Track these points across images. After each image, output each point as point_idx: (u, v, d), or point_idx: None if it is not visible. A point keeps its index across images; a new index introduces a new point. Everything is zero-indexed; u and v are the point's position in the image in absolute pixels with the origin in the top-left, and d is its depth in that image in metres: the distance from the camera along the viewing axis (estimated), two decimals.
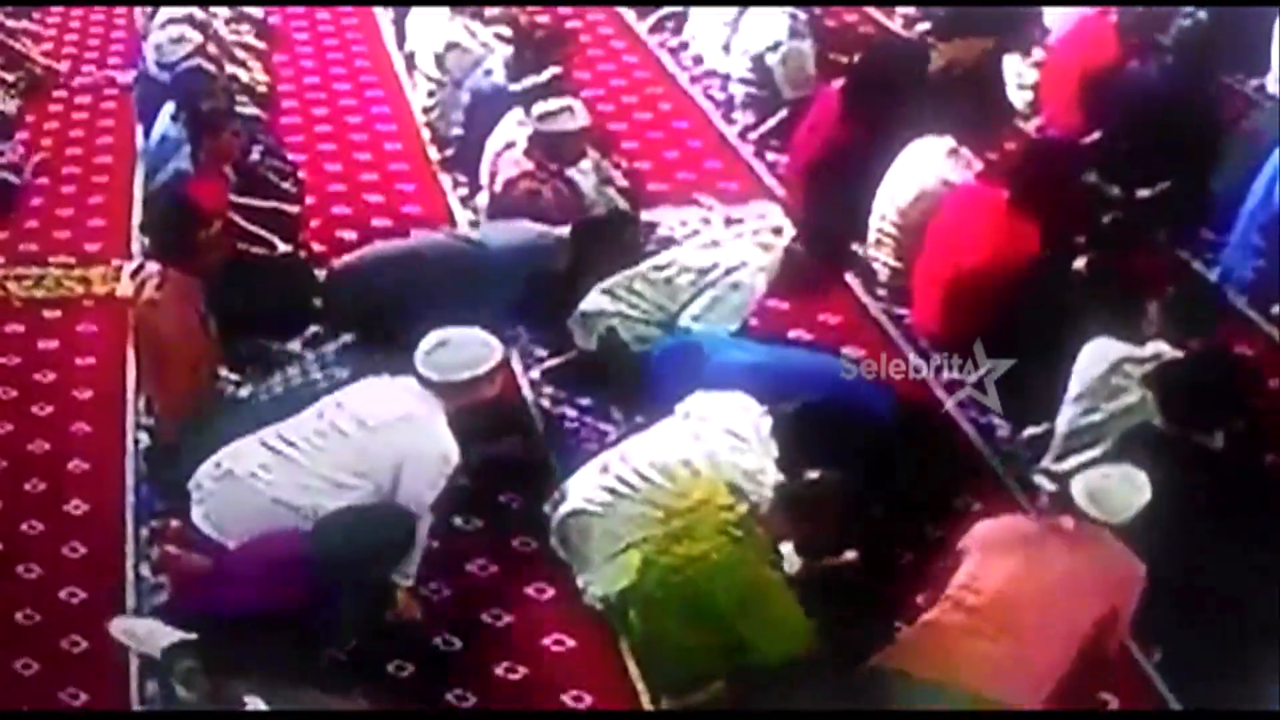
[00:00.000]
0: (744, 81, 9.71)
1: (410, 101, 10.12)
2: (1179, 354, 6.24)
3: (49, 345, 7.63)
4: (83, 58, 11.10)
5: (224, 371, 6.72)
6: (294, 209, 8.14)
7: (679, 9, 11.07)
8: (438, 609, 5.91)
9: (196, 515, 5.84)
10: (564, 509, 5.99)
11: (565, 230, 7.31)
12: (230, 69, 9.60)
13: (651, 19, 11.37)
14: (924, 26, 10.52)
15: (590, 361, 7.04)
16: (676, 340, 6.81)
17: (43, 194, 9.10)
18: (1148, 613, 5.41)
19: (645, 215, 7.90)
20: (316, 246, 8.24)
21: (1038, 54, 9.57)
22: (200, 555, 5.78)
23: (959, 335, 7.07)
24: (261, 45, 10.70)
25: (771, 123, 9.47)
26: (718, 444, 5.89)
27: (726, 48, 10.08)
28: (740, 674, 5.29)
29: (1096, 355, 6.32)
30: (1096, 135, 8.73)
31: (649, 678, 5.58)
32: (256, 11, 11.08)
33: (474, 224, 8.35)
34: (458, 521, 6.29)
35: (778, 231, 7.22)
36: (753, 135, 9.56)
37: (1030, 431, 6.66)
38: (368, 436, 5.81)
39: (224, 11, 10.41)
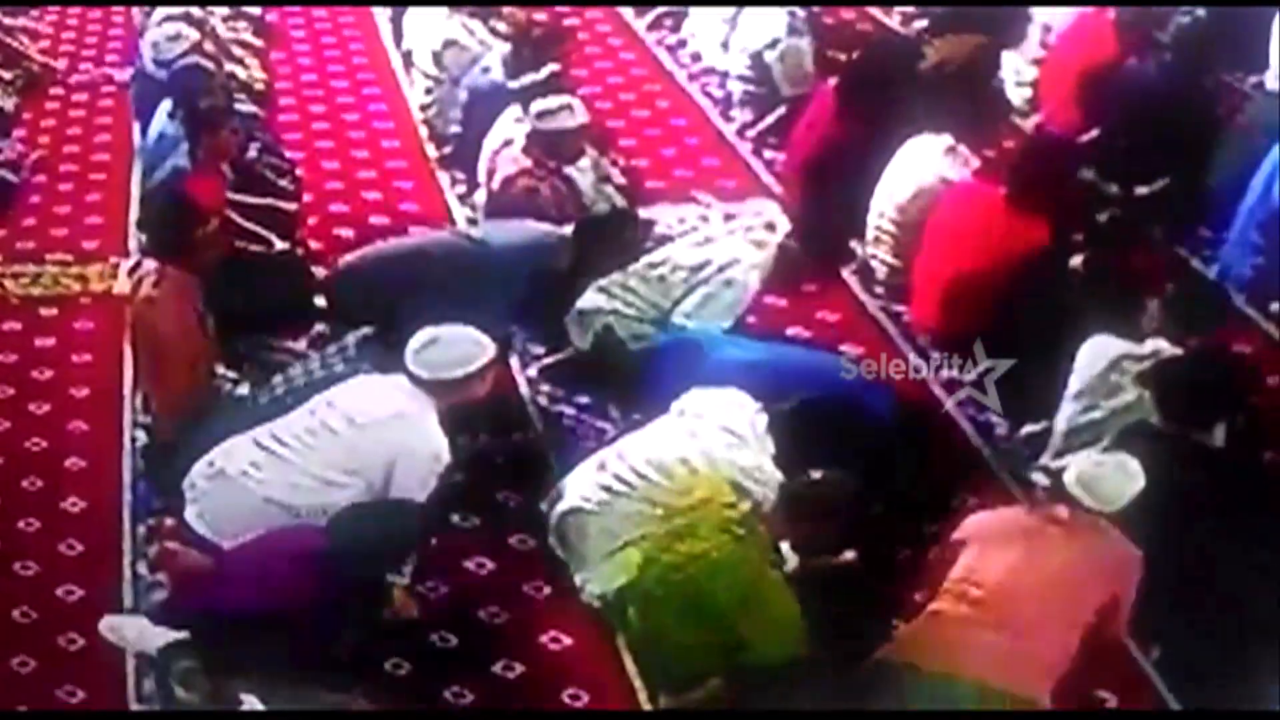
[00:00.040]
0: (742, 79, 9.70)
1: (408, 99, 10.11)
2: (1177, 351, 6.24)
3: (46, 343, 7.62)
4: (80, 55, 11.08)
5: (221, 369, 6.70)
6: (291, 206, 8.14)
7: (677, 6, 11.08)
8: (435, 607, 5.90)
9: (190, 514, 5.84)
10: (561, 507, 5.99)
11: (567, 229, 7.31)
12: (228, 66, 9.58)
13: (649, 16, 11.37)
14: (921, 24, 10.51)
15: (586, 359, 7.04)
16: (674, 338, 6.81)
17: (40, 191, 9.09)
18: (1146, 611, 5.41)
19: (643, 213, 7.89)
20: (314, 244, 8.24)
21: (1037, 51, 9.55)
22: (199, 553, 5.78)
23: (957, 332, 7.07)
24: (259, 43, 10.68)
25: (769, 120, 9.46)
26: (714, 441, 5.89)
27: (725, 45, 10.08)
28: (738, 672, 5.29)
29: (1096, 353, 6.32)
30: (1095, 132, 8.72)
31: (647, 675, 5.58)
32: (254, 9, 11.06)
33: (472, 222, 8.34)
34: (455, 519, 6.29)
35: (771, 228, 7.22)
36: (751, 133, 9.55)
37: (1029, 429, 6.66)
38: (358, 434, 5.81)
39: (221, 9, 10.39)
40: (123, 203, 8.80)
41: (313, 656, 5.13)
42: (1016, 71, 9.60)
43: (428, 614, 5.83)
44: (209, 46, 9.35)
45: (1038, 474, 6.40)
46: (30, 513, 6.43)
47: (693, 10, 10.76)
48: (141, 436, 6.83)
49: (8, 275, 8.16)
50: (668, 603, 5.37)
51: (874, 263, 7.87)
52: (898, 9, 11.25)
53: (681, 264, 7.06)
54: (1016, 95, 9.58)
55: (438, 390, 5.85)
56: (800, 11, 9.62)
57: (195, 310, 6.51)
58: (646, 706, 5.54)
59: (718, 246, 7.17)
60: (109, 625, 5.33)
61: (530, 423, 6.97)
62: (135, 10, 11.08)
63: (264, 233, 7.65)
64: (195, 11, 9.72)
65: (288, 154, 8.75)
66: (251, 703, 4.89)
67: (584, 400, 7.07)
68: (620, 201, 8.17)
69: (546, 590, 6.02)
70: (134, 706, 5.49)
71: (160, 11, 9.76)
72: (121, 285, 7.71)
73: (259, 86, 10.03)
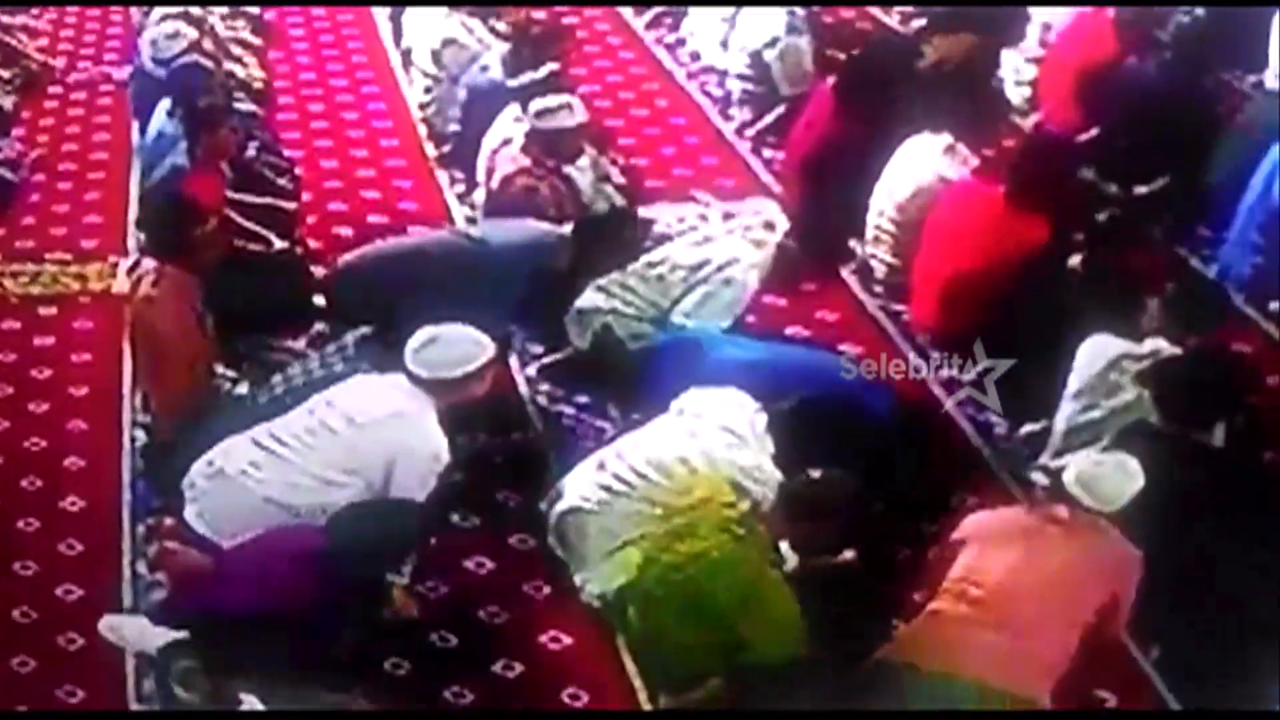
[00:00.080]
0: (741, 78, 9.70)
1: (407, 98, 10.10)
2: (1177, 351, 6.24)
3: (45, 342, 7.62)
4: (78, 54, 11.08)
5: (221, 369, 6.70)
6: (290, 205, 8.14)
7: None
8: (435, 606, 5.90)
9: (189, 514, 5.84)
10: (561, 507, 5.99)
11: (566, 228, 7.31)
12: (226, 65, 9.58)
13: (649, 15, 11.36)
14: (920, 23, 10.50)
15: (586, 359, 7.04)
16: (673, 337, 6.81)
17: (39, 190, 9.09)
18: (1146, 611, 5.41)
19: (642, 212, 7.89)
20: (313, 243, 8.24)
21: (1036, 50, 9.55)
22: (198, 552, 5.77)
23: (957, 331, 7.07)
24: (257, 41, 10.67)
25: (769, 119, 9.46)
26: (713, 441, 5.89)
27: (724, 44, 10.08)
28: (738, 672, 5.28)
29: (1095, 352, 6.32)
30: (1094, 132, 8.72)
31: (647, 675, 5.58)
32: (253, 8, 11.05)
33: (471, 220, 8.34)
34: (455, 519, 6.29)
35: (770, 227, 7.23)
36: (750, 132, 9.55)
37: (1028, 429, 6.66)
38: (357, 434, 5.81)
39: (220, 8, 10.38)
40: (122, 202, 8.80)
41: (313, 656, 5.13)
42: (1016, 70, 9.60)
43: (428, 614, 5.83)
44: (208, 45, 9.35)
45: (1037, 474, 6.40)
46: (30, 512, 6.43)
47: (692, 9, 10.75)
48: (141, 436, 6.83)
49: (7, 274, 8.16)
50: (668, 602, 5.36)
51: (873, 262, 7.87)
52: (897, 8, 11.24)
53: (680, 263, 7.06)
54: (1016, 94, 9.58)
55: (437, 389, 5.85)
56: (799, 10, 9.61)
57: (194, 309, 6.50)
58: (646, 706, 5.54)
59: (717, 246, 7.17)
60: (108, 625, 5.33)
61: (530, 422, 6.97)
62: (134, 9, 11.06)
63: (263, 232, 7.66)
64: (194, 10, 9.72)
65: (287, 153, 8.76)
66: (251, 703, 4.89)
67: (583, 400, 7.07)
68: (619, 201, 8.17)
69: (546, 590, 6.02)
70: (134, 706, 5.49)
71: (159, 10, 9.76)
72: (120, 284, 7.70)
73: (258, 85, 10.02)
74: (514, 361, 7.18)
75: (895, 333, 7.58)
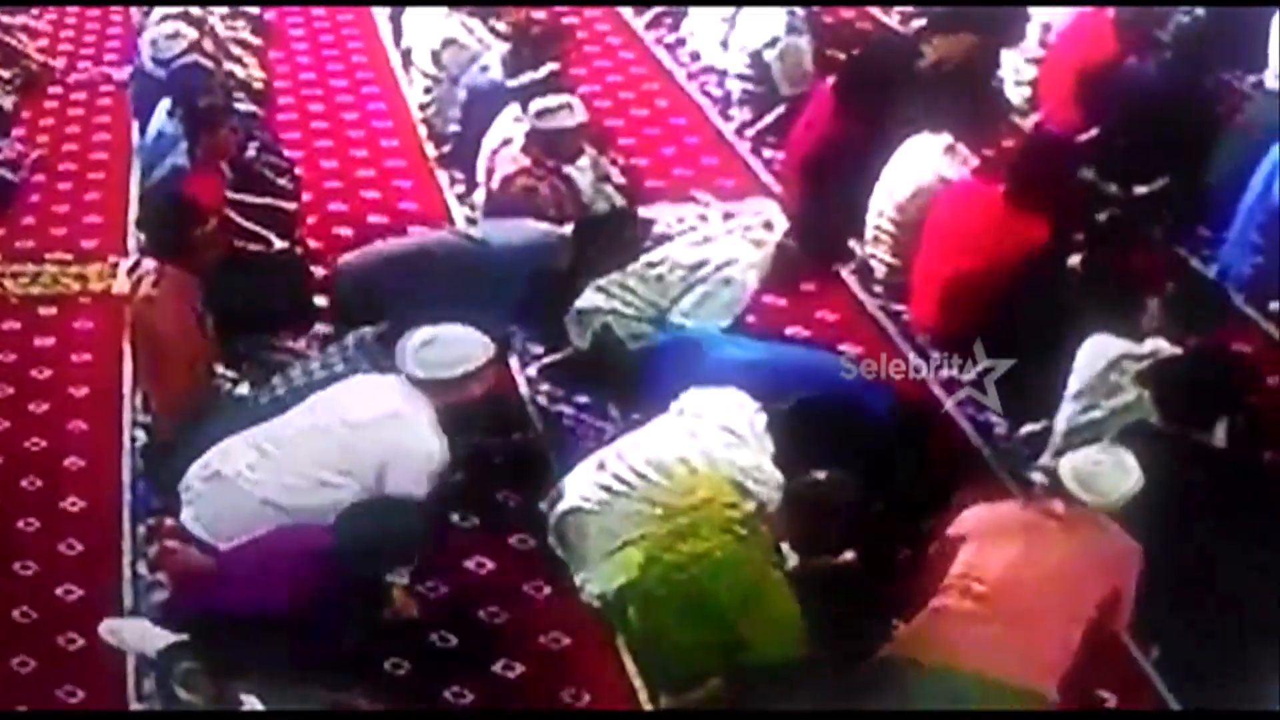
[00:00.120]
0: (741, 78, 9.70)
1: (407, 98, 10.10)
2: (1177, 351, 6.24)
3: (45, 342, 7.62)
4: (78, 54, 11.08)
5: (221, 369, 6.70)
6: (291, 205, 8.14)
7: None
8: (435, 606, 5.90)
9: (186, 517, 5.84)
10: (561, 507, 5.98)
11: (567, 228, 7.30)
12: (226, 65, 9.58)
13: (648, 15, 11.37)
14: (921, 23, 10.50)
15: (586, 359, 7.04)
16: (674, 337, 6.81)
17: (39, 190, 9.08)
18: (1146, 610, 5.41)
19: (642, 212, 7.89)
20: (313, 243, 8.23)
21: (1036, 50, 9.55)
22: (199, 551, 5.77)
23: (957, 331, 7.07)
24: (257, 41, 10.67)
25: (769, 119, 9.46)
26: (713, 441, 5.89)
27: (724, 44, 10.08)
28: (738, 672, 5.28)
29: (1096, 352, 6.31)
30: (1094, 132, 8.72)
31: (647, 675, 5.58)
32: (253, 8, 11.05)
33: (471, 221, 8.34)
34: (455, 519, 6.29)
35: (769, 226, 7.22)
36: (750, 132, 9.55)
37: (1029, 429, 6.66)
38: (353, 434, 5.80)
39: (220, 8, 10.39)
40: (122, 202, 8.80)
41: (313, 656, 5.13)
42: (1016, 70, 9.60)
43: (428, 614, 5.83)
44: (208, 45, 9.35)
45: (1036, 474, 6.39)
46: (30, 513, 6.43)
47: (692, 9, 10.75)
48: (141, 436, 6.82)
49: (7, 274, 8.15)
50: (669, 602, 5.36)
51: (873, 262, 7.87)
52: (897, 8, 11.24)
53: (679, 263, 7.06)
54: (1016, 94, 9.59)
55: (434, 390, 5.85)
56: (799, 10, 9.62)
57: (194, 310, 6.50)
58: (647, 706, 5.54)
59: (716, 245, 7.17)
60: (109, 629, 5.32)
61: (530, 423, 6.96)
62: (134, 9, 11.07)
63: (263, 232, 7.66)
64: (194, 10, 9.72)
65: (287, 153, 8.76)
66: (251, 703, 4.89)
67: (583, 400, 7.07)
68: (619, 201, 8.17)
69: (546, 590, 6.02)
70: (134, 706, 5.49)
71: (159, 10, 9.75)
72: (121, 284, 7.71)
73: (258, 85, 10.02)
74: (514, 361, 7.18)
75: (895, 333, 7.58)
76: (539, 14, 10.31)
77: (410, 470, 5.73)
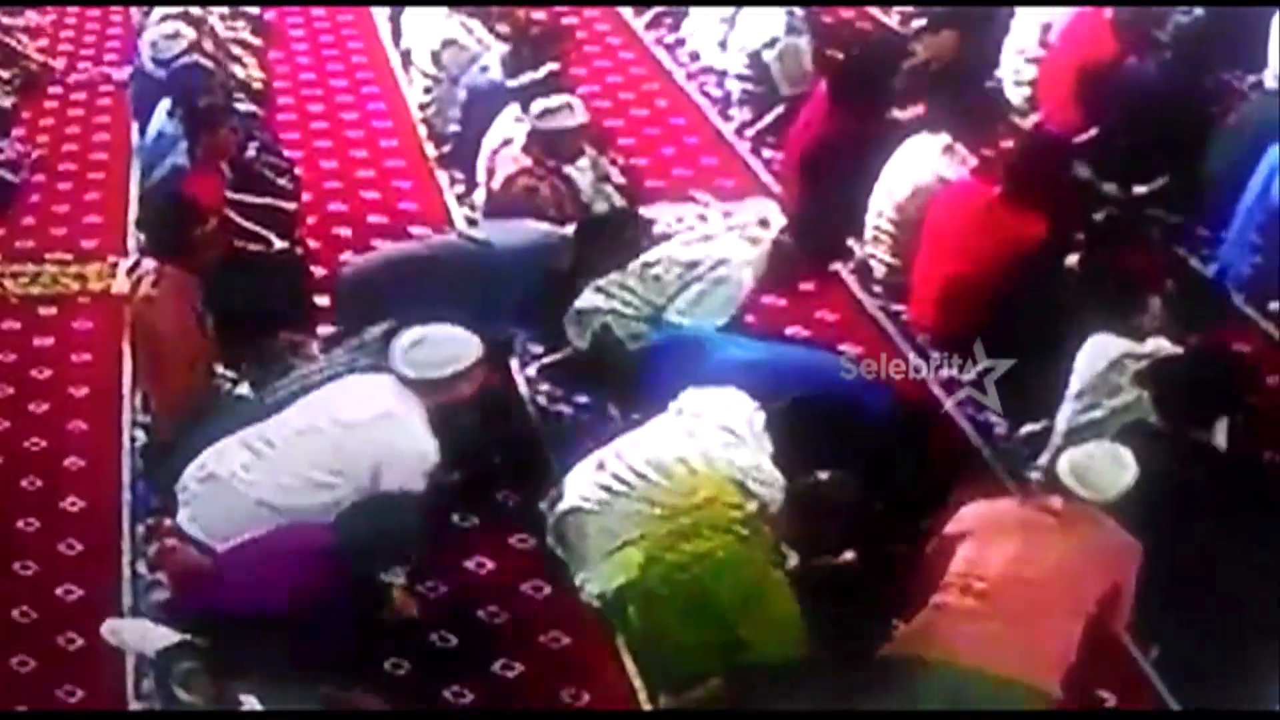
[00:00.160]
0: (741, 78, 9.70)
1: (407, 98, 10.11)
2: (1177, 350, 6.24)
3: (45, 342, 7.62)
4: (78, 54, 11.09)
5: (221, 369, 6.70)
6: (290, 205, 8.14)
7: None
8: (435, 606, 5.90)
9: (182, 518, 5.84)
10: (560, 506, 5.98)
11: (568, 229, 7.31)
12: (226, 65, 9.58)
13: (648, 15, 11.37)
14: (920, 23, 10.50)
15: (585, 359, 7.04)
16: (674, 337, 6.80)
17: (39, 191, 9.10)
18: (1146, 610, 5.41)
19: (642, 212, 7.90)
20: (313, 243, 8.24)
21: (1035, 50, 9.55)
22: (198, 551, 5.77)
23: (956, 332, 7.07)
24: (257, 42, 10.67)
25: (768, 119, 9.47)
26: (712, 441, 5.88)
27: (723, 44, 10.08)
28: (738, 672, 5.28)
29: (1096, 352, 6.31)
30: (1094, 131, 8.72)
31: (647, 675, 5.58)
32: (252, 8, 11.05)
33: (471, 221, 8.34)
34: (455, 519, 6.29)
35: (764, 224, 7.23)
36: (749, 132, 9.56)
37: (1029, 429, 6.66)
38: (345, 434, 5.80)
39: (220, 8, 10.39)
40: (121, 202, 8.81)
41: (313, 656, 5.13)
42: (1016, 70, 9.60)
43: (428, 614, 5.82)
44: (207, 45, 9.35)
45: (1035, 473, 6.39)
46: (30, 512, 6.43)
47: (691, 9, 10.76)
48: (141, 436, 6.83)
49: (7, 274, 8.16)
50: (671, 602, 5.36)
51: (872, 262, 7.87)
52: (897, 8, 11.24)
53: (676, 261, 7.06)
54: (1016, 94, 9.58)
55: (425, 390, 5.84)
56: (799, 10, 9.63)
57: (194, 310, 6.50)
58: (646, 706, 5.54)
59: (712, 244, 7.17)
60: (110, 629, 5.31)
61: (530, 422, 6.96)
62: (134, 9, 11.07)
63: (263, 232, 7.66)
64: (194, 10, 9.72)
65: (286, 153, 8.77)
66: (251, 703, 4.89)
67: (583, 400, 7.07)
68: (619, 201, 8.17)
69: (546, 590, 6.02)
70: (134, 706, 5.49)
71: (159, 10, 9.76)
72: (120, 284, 7.71)
73: (257, 85, 10.02)
74: (514, 362, 7.17)
75: (895, 333, 7.58)
76: (539, 14, 10.32)
77: (404, 470, 5.73)
